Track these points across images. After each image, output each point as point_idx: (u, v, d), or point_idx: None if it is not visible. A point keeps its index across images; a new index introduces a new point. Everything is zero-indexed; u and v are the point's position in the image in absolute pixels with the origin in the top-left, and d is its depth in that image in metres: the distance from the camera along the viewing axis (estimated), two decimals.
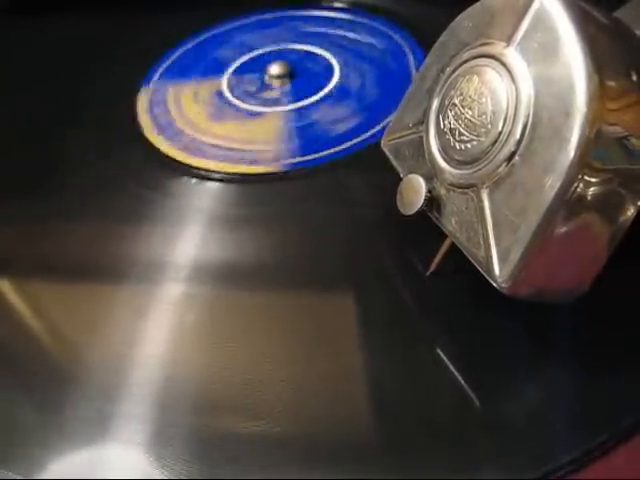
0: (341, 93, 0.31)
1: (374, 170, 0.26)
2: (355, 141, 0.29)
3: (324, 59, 0.33)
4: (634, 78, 0.19)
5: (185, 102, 0.32)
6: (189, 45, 0.35)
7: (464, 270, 0.21)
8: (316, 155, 0.28)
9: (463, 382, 0.21)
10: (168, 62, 0.34)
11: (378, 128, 0.29)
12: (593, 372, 0.20)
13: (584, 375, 0.20)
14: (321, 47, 0.33)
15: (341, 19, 0.35)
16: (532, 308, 0.21)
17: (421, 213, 0.22)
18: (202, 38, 0.35)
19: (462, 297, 0.23)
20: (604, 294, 0.21)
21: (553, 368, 0.21)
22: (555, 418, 0.20)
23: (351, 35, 0.34)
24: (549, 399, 0.20)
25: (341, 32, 0.34)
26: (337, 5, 0.36)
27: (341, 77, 0.32)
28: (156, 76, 0.34)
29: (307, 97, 0.31)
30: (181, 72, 0.34)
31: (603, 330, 0.21)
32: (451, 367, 0.21)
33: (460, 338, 0.22)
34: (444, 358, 0.21)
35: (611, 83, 0.18)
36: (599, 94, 0.18)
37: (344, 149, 0.28)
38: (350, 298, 0.24)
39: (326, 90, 0.31)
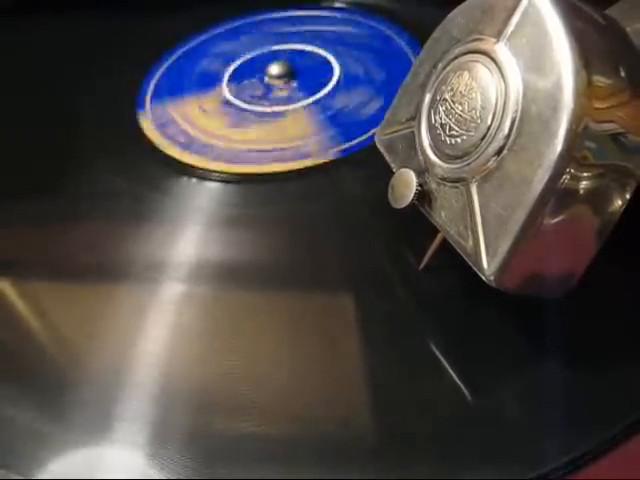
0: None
1: (373, 169, 0.26)
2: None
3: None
4: (623, 74, 0.19)
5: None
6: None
7: (458, 264, 0.21)
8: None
9: (461, 382, 0.21)
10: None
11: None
12: (592, 370, 0.20)
13: (583, 373, 0.20)
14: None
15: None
16: (529, 304, 0.21)
17: (416, 209, 0.22)
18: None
19: (462, 294, 0.23)
20: (603, 291, 0.22)
21: (551, 367, 0.21)
22: (553, 417, 0.20)
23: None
24: (547, 398, 0.20)
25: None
26: (337, 5, 0.36)
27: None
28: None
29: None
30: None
31: (603, 327, 0.21)
32: (449, 368, 0.21)
33: (459, 337, 0.22)
34: (442, 359, 0.21)
35: (599, 79, 0.18)
36: (586, 90, 0.18)
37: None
38: (349, 297, 0.24)
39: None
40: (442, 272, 0.23)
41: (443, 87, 0.21)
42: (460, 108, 0.20)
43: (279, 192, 0.28)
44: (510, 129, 0.19)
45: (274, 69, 0.32)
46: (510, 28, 0.20)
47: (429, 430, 0.20)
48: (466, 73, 0.21)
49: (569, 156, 0.18)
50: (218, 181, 0.28)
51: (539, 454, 0.19)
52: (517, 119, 0.19)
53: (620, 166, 0.19)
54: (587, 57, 0.18)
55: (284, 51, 0.34)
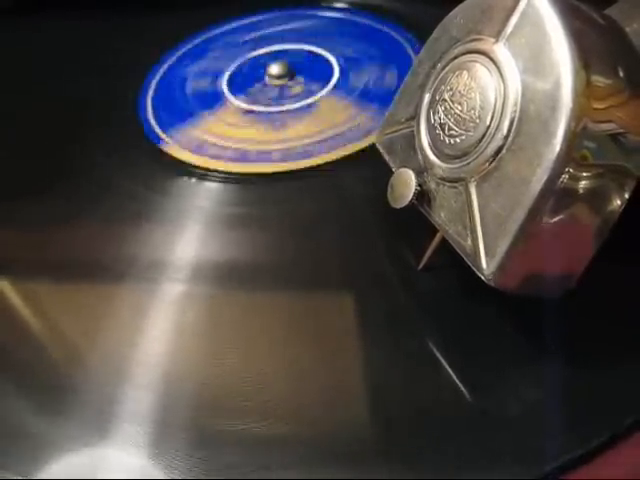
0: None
1: (372, 169, 0.26)
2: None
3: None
4: (622, 74, 0.19)
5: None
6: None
7: (457, 264, 0.21)
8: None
9: (460, 382, 0.21)
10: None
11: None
12: (592, 370, 0.20)
13: (583, 373, 0.20)
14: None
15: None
16: (528, 304, 0.21)
17: (416, 209, 0.22)
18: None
19: (461, 293, 0.23)
20: (603, 291, 0.22)
21: (551, 367, 0.21)
22: (554, 417, 0.20)
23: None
24: (548, 398, 0.20)
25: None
26: (337, 5, 0.36)
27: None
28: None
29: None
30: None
31: (602, 327, 0.21)
32: (448, 367, 0.21)
33: (459, 336, 0.22)
34: (442, 358, 0.21)
35: (598, 79, 0.18)
36: (585, 90, 0.18)
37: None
38: (349, 297, 0.24)
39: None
40: (441, 272, 0.23)
41: (442, 87, 0.21)
42: (459, 108, 0.20)
43: (279, 192, 0.28)
44: (509, 129, 0.19)
45: (274, 69, 0.32)
46: (509, 28, 0.20)
47: (429, 430, 0.20)
48: (465, 73, 0.21)
49: (568, 156, 0.18)
50: (218, 181, 0.28)
51: (539, 454, 0.19)
52: (516, 119, 0.19)
53: (619, 166, 0.19)
54: (586, 57, 0.18)
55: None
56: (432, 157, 0.21)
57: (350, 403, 0.21)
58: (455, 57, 0.21)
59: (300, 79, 0.32)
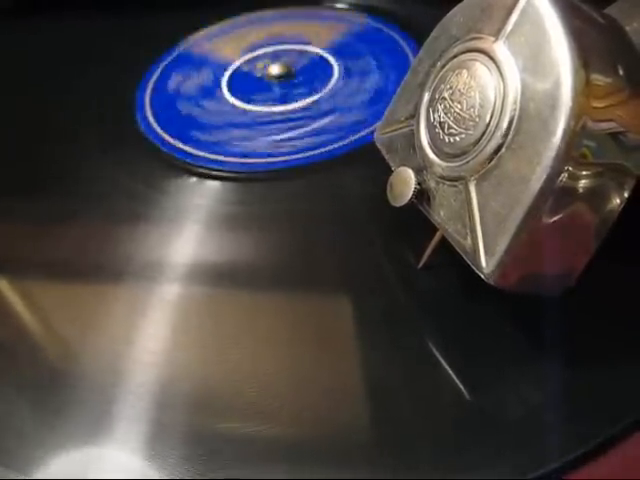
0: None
1: (372, 168, 0.26)
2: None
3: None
4: (621, 73, 0.19)
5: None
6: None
7: (457, 263, 0.21)
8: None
9: (460, 382, 0.21)
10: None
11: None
12: (591, 370, 0.20)
13: (583, 372, 0.20)
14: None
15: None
16: (528, 302, 0.21)
17: (415, 207, 0.22)
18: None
19: (461, 292, 0.23)
20: (602, 290, 0.22)
21: (551, 366, 0.21)
22: (554, 417, 0.20)
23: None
24: (547, 398, 0.20)
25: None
26: (337, 5, 0.37)
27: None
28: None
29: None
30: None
31: (602, 326, 0.21)
32: (448, 367, 0.21)
33: (458, 335, 0.22)
34: (441, 358, 0.21)
35: (598, 77, 0.18)
36: (585, 88, 0.18)
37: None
38: (348, 296, 0.24)
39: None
40: (441, 270, 0.23)
41: (442, 86, 0.21)
42: (459, 107, 0.20)
43: (278, 190, 0.28)
44: (508, 127, 0.19)
45: (274, 69, 0.32)
46: (509, 27, 0.20)
47: (429, 430, 0.20)
48: (465, 72, 0.21)
49: (567, 155, 0.18)
50: (217, 179, 0.28)
51: (539, 454, 0.19)
52: (515, 117, 0.19)
53: (619, 165, 0.19)
54: (586, 56, 0.18)
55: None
56: (431, 156, 0.21)
57: (350, 404, 0.21)
58: (455, 56, 0.21)
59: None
